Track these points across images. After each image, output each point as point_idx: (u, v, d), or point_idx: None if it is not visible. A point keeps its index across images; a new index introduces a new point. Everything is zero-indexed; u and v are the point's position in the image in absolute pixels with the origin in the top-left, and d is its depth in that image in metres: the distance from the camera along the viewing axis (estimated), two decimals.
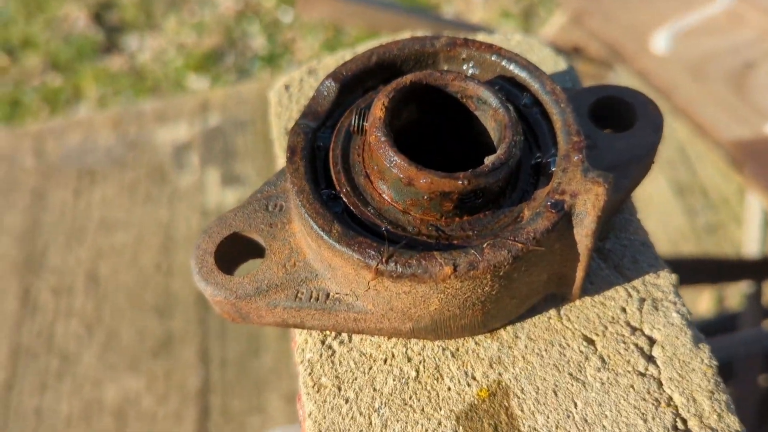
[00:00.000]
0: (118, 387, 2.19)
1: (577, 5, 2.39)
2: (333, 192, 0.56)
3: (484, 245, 0.51)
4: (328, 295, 0.56)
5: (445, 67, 0.62)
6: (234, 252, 0.60)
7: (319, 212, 0.53)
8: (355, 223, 0.55)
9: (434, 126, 0.60)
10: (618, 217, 0.65)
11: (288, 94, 0.74)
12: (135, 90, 3.55)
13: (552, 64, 0.75)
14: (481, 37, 0.77)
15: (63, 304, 2.43)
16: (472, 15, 3.65)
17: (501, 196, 0.56)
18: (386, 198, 0.55)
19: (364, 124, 0.55)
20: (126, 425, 2.10)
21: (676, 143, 2.62)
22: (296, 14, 3.64)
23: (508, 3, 3.68)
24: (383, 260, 0.51)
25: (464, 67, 0.62)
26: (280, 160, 0.70)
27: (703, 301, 2.16)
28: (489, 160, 0.53)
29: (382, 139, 0.53)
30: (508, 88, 0.61)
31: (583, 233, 0.52)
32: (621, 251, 0.63)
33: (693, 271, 1.72)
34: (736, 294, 2.10)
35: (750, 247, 1.99)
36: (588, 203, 0.52)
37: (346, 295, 0.56)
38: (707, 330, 0.64)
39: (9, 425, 2.08)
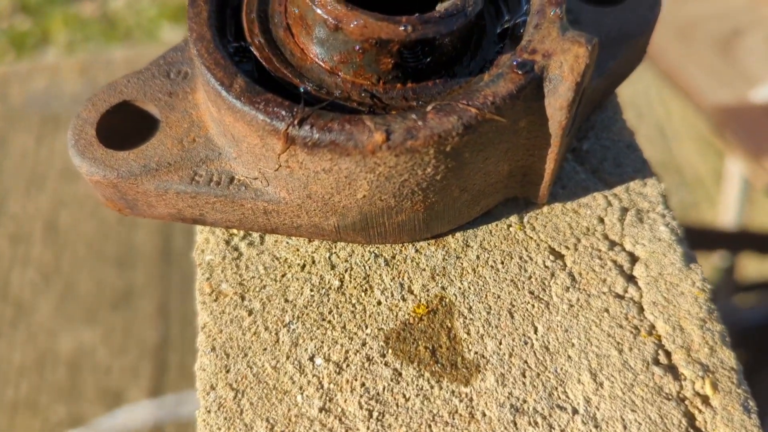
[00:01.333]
0: (74, 338, 2.09)
1: None
2: (243, 44, 0.44)
3: (428, 109, 0.39)
4: (232, 179, 0.44)
5: None
6: (123, 127, 0.48)
7: (219, 63, 0.41)
8: (268, 83, 0.43)
9: None
10: (599, 115, 0.53)
11: None
12: (106, 37, 3.39)
13: None
14: None
15: (20, 251, 2.31)
16: None
17: (456, 62, 0.44)
18: (310, 55, 0.43)
19: None
20: (80, 377, 2.01)
21: (654, 121, 2.55)
22: None
23: None
24: (295, 122, 0.39)
25: None
26: None
27: None
28: (443, 5, 0.41)
29: None
30: None
31: (557, 105, 0.41)
32: (601, 153, 0.51)
33: None
34: (706, 267, 2.02)
35: (727, 216, 1.91)
36: (565, 66, 0.40)
37: (255, 179, 0.44)
38: None
39: None
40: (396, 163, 0.39)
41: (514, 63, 0.40)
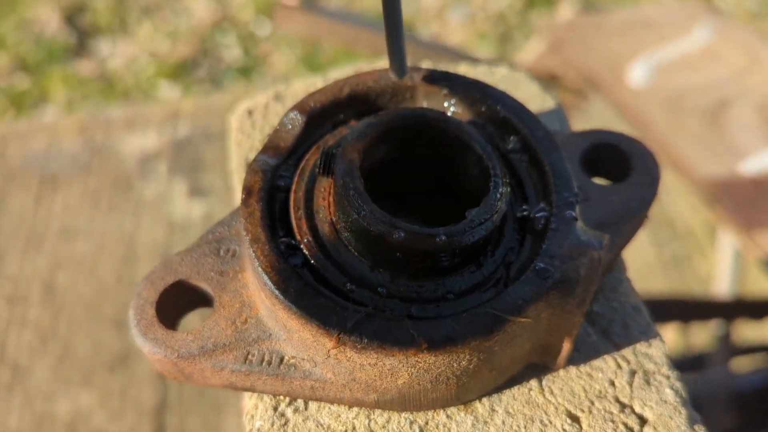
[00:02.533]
0: (71, 401, 2.10)
1: (556, 34, 2.37)
2: (293, 241, 0.49)
3: (464, 315, 0.44)
4: (282, 359, 0.49)
5: (425, 104, 0.56)
6: (178, 301, 0.53)
7: (274, 266, 0.47)
8: (316, 279, 0.48)
9: (410, 166, 0.54)
10: (607, 276, 0.59)
11: (251, 121, 0.67)
12: (104, 96, 3.45)
13: (540, 101, 0.69)
14: (463, 68, 0.71)
15: (17, 313, 2.33)
16: (448, 37, 3.62)
17: (482, 254, 0.49)
18: (353, 251, 0.49)
19: (332, 165, 0.49)
20: None
21: None
22: (273, 27, 3.59)
23: (485, 26, 3.66)
24: (346, 329, 0.44)
25: (445, 104, 0.56)
26: (239, 195, 0.63)
27: (668, 334, 2.13)
28: (471, 214, 0.47)
29: (352, 185, 0.46)
30: (492, 129, 0.55)
31: (575, 303, 0.46)
32: (610, 315, 0.57)
33: (663, 310, 1.68)
34: (702, 328, 2.07)
35: (721, 287, 1.96)
36: (581, 270, 0.46)
37: (303, 360, 0.49)
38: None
39: None
40: (435, 360, 0.45)
41: (537, 268, 0.46)
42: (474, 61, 0.70)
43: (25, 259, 2.45)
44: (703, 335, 2.01)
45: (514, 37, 3.53)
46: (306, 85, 0.69)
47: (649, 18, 2.42)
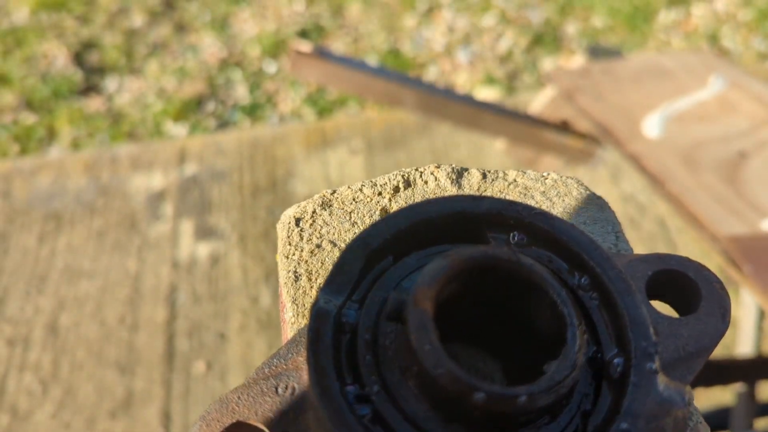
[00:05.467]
0: None
1: (569, 82, 2.36)
2: (361, 391, 0.47)
3: None
4: None
5: (488, 234, 0.54)
6: None
7: (345, 423, 0.44)
8: None
9: (474, 302, 0.52)
10: None
11: (299, 230, 0.65)
12: (111, 133, 3.44)
13: (594, 209, 0.67)
14: (513, 174, 0.70)
15: (17, 356, 2.29)
16: (456, 77, 3.63)
17: (558, 404, 0.47)
18: (424, 404, 0.46)
19: (403, 312, 0.47)
20: None
21: (656, 217, 2.60)
22: (280, 66, 3.59)
23: (493, 67, 3.67)
24: None
25: (510, 235, 0.54)
26: (289, 313, 0.61)
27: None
28: (551, 370, 0.45)
29: (428, 340, 0.44)
30: (560, 263, 0.53)
31: None
32: None
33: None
34: (726, 394, 2.04)
35: (743, 347, 1.94)
36: (667, 429, 0.44)
37: None
38: None
39: None
40: None
41: (620, 430, 0.44)
42: (523, 171, 0.68)
43: (27, 299, 2.42)
44: (727, 396, 1.98)
45: (523, 78, 3.54)
46: (352, 192, 0.68)
47: (663, 66, 2.41)
